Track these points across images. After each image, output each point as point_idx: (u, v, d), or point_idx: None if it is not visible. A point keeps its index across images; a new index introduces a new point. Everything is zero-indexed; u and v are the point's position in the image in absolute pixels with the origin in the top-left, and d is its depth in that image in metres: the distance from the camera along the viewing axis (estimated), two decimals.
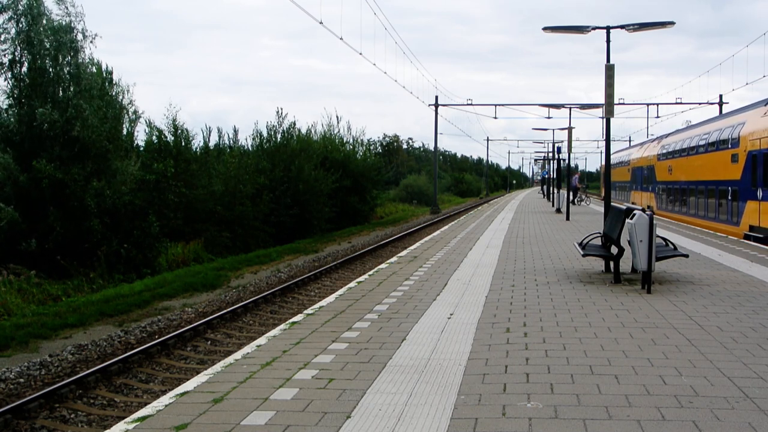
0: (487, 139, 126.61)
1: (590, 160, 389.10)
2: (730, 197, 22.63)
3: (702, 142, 26.85)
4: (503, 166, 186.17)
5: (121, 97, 24.99)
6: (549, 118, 50.59)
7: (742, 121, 22.34)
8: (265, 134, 38.78)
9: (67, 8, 22.45)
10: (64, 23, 22.42)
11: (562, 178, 43.06)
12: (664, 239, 12.53)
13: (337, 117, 63.93)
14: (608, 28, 15.82)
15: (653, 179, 37.10)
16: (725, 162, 23.19)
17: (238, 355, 6.92)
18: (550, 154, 53.10)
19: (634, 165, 44.47)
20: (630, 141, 79.19)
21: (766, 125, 19.92)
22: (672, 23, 15.54)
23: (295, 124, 40.42)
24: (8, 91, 22.00)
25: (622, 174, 48.89)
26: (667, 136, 36.97)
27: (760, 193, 19.88)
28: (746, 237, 20.41)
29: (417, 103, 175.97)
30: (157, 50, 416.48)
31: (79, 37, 22.73)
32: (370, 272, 12.87)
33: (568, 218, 29.07)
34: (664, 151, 34.20)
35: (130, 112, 25.87)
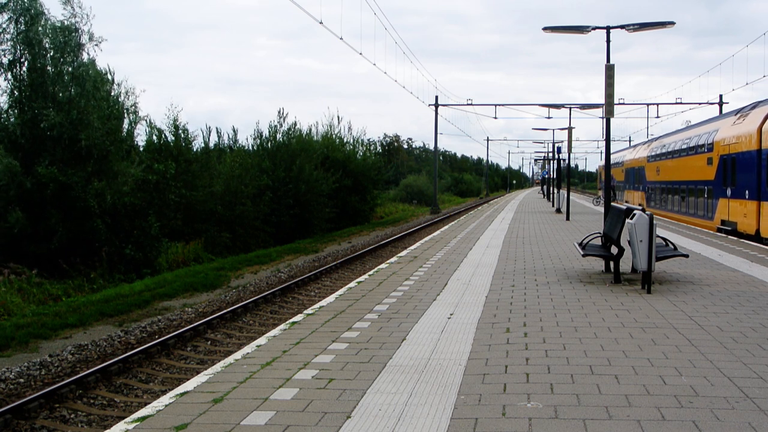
0: (487, 139, 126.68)
1: (590, 160, 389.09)
2: (706, 195, 25.27)
3: (684, 146, 29.34)
4: (503, 166, 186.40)
5: (122, 98, 24.99)
6: (549, 118, 50.63)
7: (717, 128, 24.91)
8: (266, 134, 38.86)
9: (73, 8, 22.44)
10: (67, 23, 22.40)
11: (562, 178, 43.17)
12: (664, 239, 12.53)
13: (338, 117, 63.79)
14: (608, 28, 15.81)
15: (644, 179, 39.37)
16: (702, 164, 25.80)
17: (238, 355, 6.92)
18: (550, 154, 53.13)
19: (627, 166, 46.86)
20: (630, 141, 79.53)
21: (734, 132, 22.27)
22: (672, 23, 15.53)
23: (296, 124, 40.57)
24: (8, 91, 22.01)
25: (617, 174, 50.59)
26: (656, 139, 39.55)
27: (729, 192, 22.33)
28: (719, 230, 22.85)
29: (414, 103, 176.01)
30: (151, 50, 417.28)
31: (85, 38, 22.72)
32: (370, 272, 12.87)
33: (568, 218, 29.08)
34: (653, 154, 36.65)
35: (130, 113, 25.86)
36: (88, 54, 23.05)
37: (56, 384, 9.87)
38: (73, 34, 22.40)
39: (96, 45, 23.05)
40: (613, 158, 55.55)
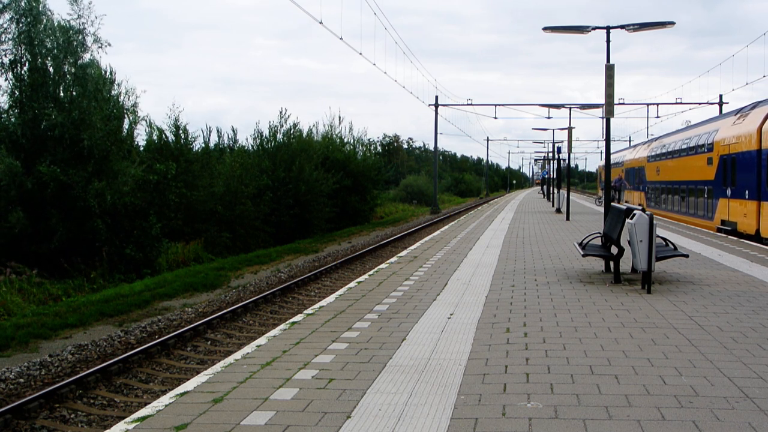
0: (487, 139, 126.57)
1: (590, 160, 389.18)
2: (706, 195, 25.33)
3: (684, 146, 29.43)
4: (503, 166, 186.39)
5: (122, 98, 24.99)
6: (549, 118, 50.66)
7: (717, 128, 24.93)
8: (266, 134, 38.85)
9: (79, 9, 22.43)
10: (71, 24, 22.39)
11: (562, 178, 43.21)
12: (664, 239, 12.53)
13: (339, 117, 63.83)
14: (608, 28, 15.80)
15: (644, 179, 39.53)
16: (702, 164, 25.90)
17: (238, 355, 6.92)
18: (550, 154, 53.15)
19: (627, 166, 47.21)
20: (630, 141, 79.57)
21: (734, 132, 22.30)
22: (672, 23, 15.53)
23: (297, 124, 40.57)
24: (9, 91, 22.01)
25: (617, 174, 50.46)
26: (656, 139, 39.69)
27: (729, 192, 22.39)
28: (719, 230, 22.89)
29: (414, 103, 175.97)
30: (149, 50, 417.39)
31: (89, 40, 22.70)
32: (370, 272, 12.87)
33: (568, 218, 29.08)
34: (653, 154, 36.80)
35: (130, 113, 25.85)
36: (92, 55, 23.08)
37: (56, 384, 9.87)
38: (77, 34, 22.39)
39: (101, 47, 23.08)
40: (613, 158, 55.70)
